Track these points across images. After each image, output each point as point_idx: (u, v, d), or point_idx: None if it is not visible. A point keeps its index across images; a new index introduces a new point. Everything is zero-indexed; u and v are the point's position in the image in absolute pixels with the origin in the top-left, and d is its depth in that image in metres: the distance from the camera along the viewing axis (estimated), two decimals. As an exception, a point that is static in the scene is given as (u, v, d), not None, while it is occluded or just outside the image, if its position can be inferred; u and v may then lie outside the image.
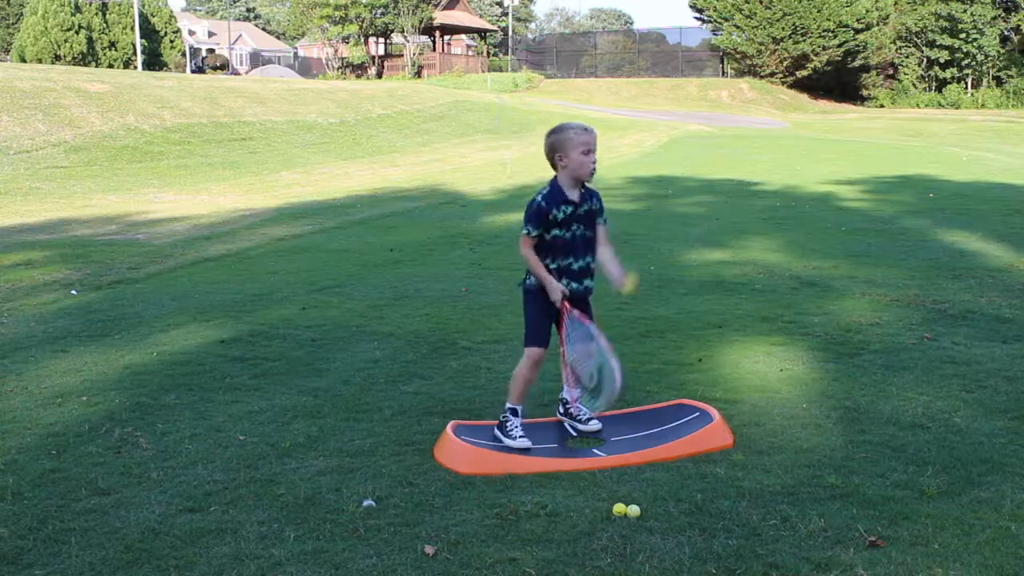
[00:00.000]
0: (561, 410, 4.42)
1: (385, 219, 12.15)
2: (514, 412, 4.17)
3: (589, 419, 4.30)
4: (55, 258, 9.04)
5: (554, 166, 4.09)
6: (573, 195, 4.07)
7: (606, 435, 4.23)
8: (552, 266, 4.08)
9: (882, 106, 52.90)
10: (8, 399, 4.78)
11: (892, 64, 55.59)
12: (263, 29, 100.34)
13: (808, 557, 3.08)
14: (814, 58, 50.97)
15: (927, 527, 3.28)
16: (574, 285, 4.10)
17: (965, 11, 50.19)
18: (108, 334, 6.15)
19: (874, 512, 3.40)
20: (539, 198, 4.07)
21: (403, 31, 55.79)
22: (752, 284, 7.70)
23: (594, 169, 4.06)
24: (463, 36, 72.56)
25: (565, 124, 4.12)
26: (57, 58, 50.51)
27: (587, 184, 4.13)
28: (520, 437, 4.10)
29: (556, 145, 4.05)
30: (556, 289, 4.04)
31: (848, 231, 10.64)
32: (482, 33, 66.83)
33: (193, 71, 59.58)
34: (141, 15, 54.07)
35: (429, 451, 4.03)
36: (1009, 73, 51.70)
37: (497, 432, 4.17)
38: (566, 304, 4.05)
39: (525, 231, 4.06)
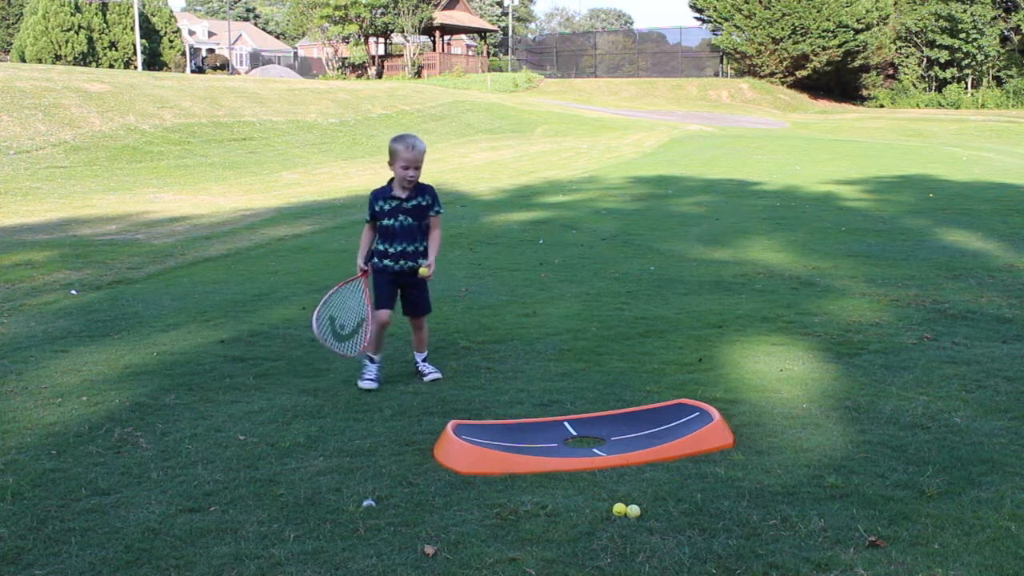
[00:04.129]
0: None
1: (385, 219, 12.14)
2: (371, 360, 5.03)
3: (429, 373, 5.11)
4: (55, 258, 9.04)
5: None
6: (401, 193, 5.01)
7: (606, 435, 4.23)
8: (381, 247, 5.05)
9: (882, 106, 52.93)
10: (8, 399, 4.78)
11: (892, 64, 55.62)
12: (263, 29, 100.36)
13: (808, 557, 3.08)
14: (814, 58, 50.99)
15: (927, 527, 3.28)
16: (411, 264, 5.03)
17: (965, 11, 50.23)
18: (108, 334, 6.15)
19: (874, 512, 3.40)
20: (372, 192, 5.12)
21: (403, 31, 55.81)
22: (752, 284, 7.70)
23: (412, 181, 4.96)
24: (463, 36, 72.60)
25: (403, 137, 4.97)
26: (57, 58, 50.54)
27: (420, 182, 5.02)
28: (368, 379, 4.95)
29: (390, 153, 5.01)
30: (358, 262, 5.12)
31: (848, 231, 10.64)
32: (482, 33, 66.85)
33: (193, 71, 59.60)
34: (141, 15, 54.09)
35: (429, 451, 4.03)
36: (1009, 73, 51.73)
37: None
38: (363, 272, 5.09)
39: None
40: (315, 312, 4.91)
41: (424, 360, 5.21)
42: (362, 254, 5.12)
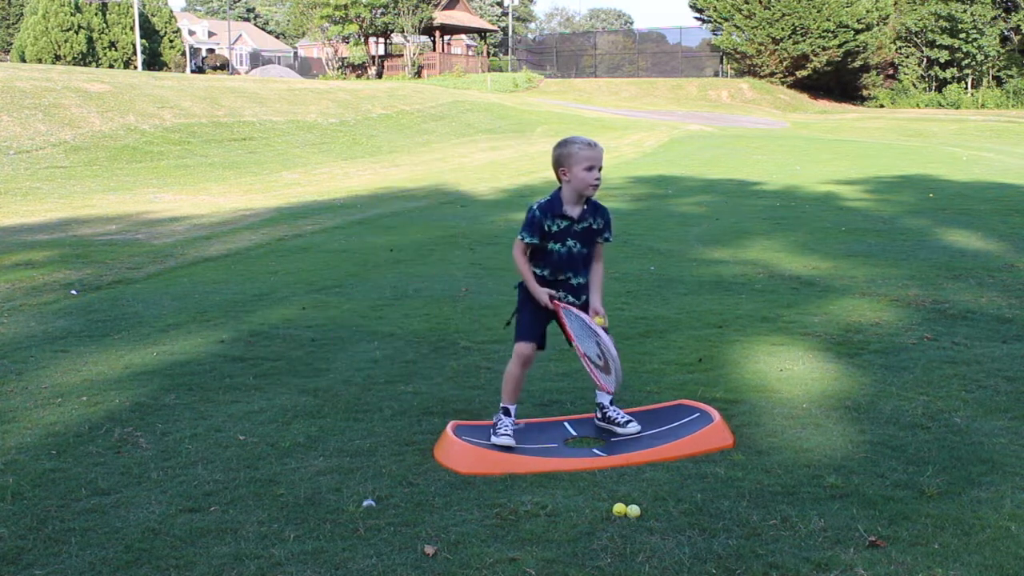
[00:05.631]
0: (599, 415, 4.35)
1: (385, 219, 12.15)
2: (506, 412, 4.18)
3: (627, 422, 4.24)
4: (55, 258, 9.04)
5: (559, 178, 4.09)
6: (573, 210, 4.07)
7: (606, 435, 4.23)
8: (549, 278, 4.10)
9: (882, 106, 52.93)
10: (8, 399, 4.78)
11: (892, 64, 55.63)
12: (263, 29, 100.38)
13: (808, 557, 3.08)
14: (814, 58, 51.00)
15: (927, 527, 3.28)
16: (571, 299, 4.13)
17: (965, 11, 50.24)
18: (108, 334, 6.15)
19: (874, 512, 3.40)
20: (535, 206, 4.09)
21: (403, 31, 55.82)
22: (752, 284, 7.70)
23: (597, 185, 4.03)
24: (463, 36, 72.61)
25: (572, 138, 4.10)
26: (57, 58, 50.55)
27: (593, 200, 4.12)
28: (503, 434, 4.08)
29: (561, 158, 4.04)
30: (541, 293, 4.06)
31: (848, 231, 10.64)
32: (482, 33, 66.85)
33: (193, 71, 59.61)
34: (141, 15, 54.11)
35: (429, 451, 4.03)
36: (1009, 73, 51.73)
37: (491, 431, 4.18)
38: (556, 302, 4.06)
39: (520, 236, 4.11)
40: (607, 348, 3.89)
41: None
42: (534, 281, 4.09)
